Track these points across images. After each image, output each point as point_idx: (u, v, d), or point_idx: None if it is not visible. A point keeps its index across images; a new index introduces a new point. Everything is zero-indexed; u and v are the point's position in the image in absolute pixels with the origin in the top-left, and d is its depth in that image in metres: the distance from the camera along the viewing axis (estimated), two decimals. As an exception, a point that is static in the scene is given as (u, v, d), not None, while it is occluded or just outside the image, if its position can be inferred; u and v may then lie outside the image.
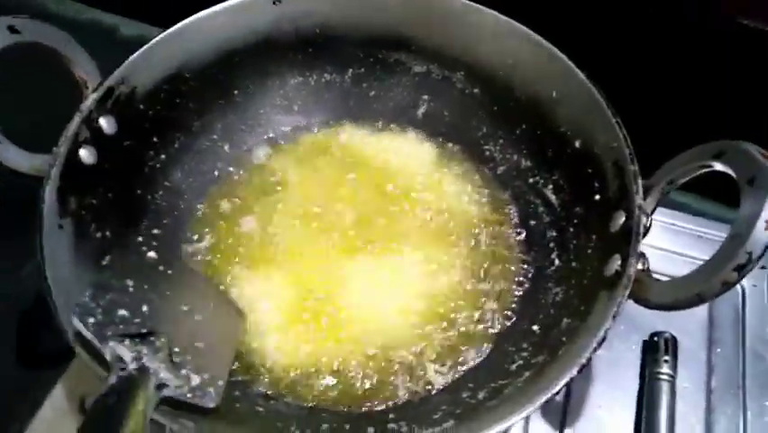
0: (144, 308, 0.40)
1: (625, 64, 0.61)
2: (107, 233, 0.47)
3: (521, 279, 0.52)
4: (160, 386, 0.36)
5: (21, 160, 0.45)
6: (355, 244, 0.54)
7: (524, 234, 0.54)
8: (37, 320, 0.56)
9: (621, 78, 0.52)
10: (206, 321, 0.44)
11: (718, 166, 0.39)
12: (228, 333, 0.46)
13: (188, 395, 0.37)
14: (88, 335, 0.36)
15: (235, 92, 0.60)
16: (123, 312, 0.39)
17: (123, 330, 0.38)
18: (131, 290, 0.41)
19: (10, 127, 0.45)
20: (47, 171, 0.43)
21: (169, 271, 0.46)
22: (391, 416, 0.42)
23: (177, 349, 0.39)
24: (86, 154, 0.46)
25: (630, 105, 0.48)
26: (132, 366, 0.36)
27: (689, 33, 0.59)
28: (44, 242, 0.40)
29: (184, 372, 0.38)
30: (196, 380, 0.38)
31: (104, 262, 0.45)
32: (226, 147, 0.60)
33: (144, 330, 0.38)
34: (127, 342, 0.37)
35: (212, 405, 0.38)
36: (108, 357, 0.36)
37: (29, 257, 0.58)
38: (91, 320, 0.37)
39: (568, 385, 0.50)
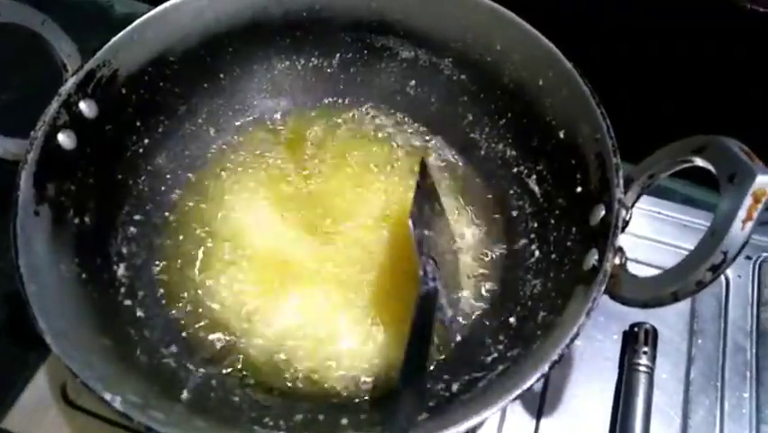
0: None
1: (612, 53, 0.60)
2: (86, 219, 0.47)
3: (501, 270, 0.52)
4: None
5: (-4, 144, 0.45)
6: (327, 231, 0.54)
7: (505, 225, 0.54)
8: (21, 306, 0.56)
9: (608, 68, 0.51)
10: None
11: (699, 161, 0.38)
12: None
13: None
14: None
15: (221, 76, 0.59)
16: None
17: None
18: None
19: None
20: (23, 156, 0.43)
21: None
22: (365, 407, 0.43)
23: None
24: (65, 139, 0.45)
25: (616, 96, 0.47)
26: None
27: (676, 23, 0.58)
28: (18, 229, 0.40)
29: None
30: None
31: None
32: (212, 131, 0.59)
33: None
34: None
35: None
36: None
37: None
38: None
39: (546, 375, 0.50)
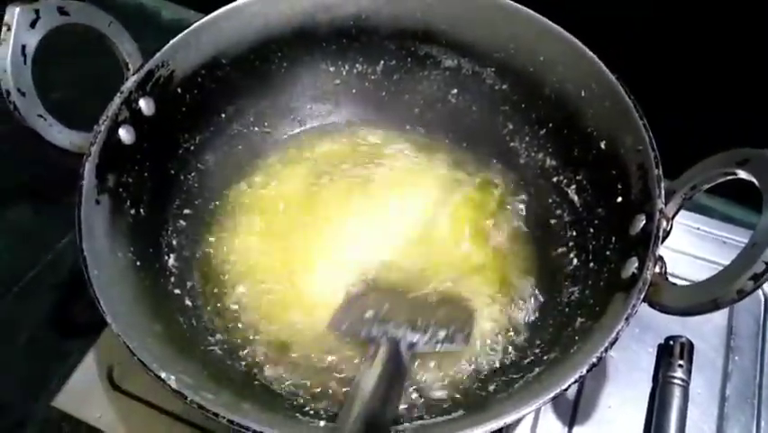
0: None
1: (655, 66, 0.60)
2: (141, 210, 0.49)
3: (538, 277, 0.52)
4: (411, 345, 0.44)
5: (63, 136, 0.47)
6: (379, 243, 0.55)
7: (543, 233, 0.54)
8: (71, 292, 0.59)
9: (651, 81, 0.51)
10: None
11: (742, 174, 0.39)
12: None
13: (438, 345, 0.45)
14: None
15: (268, 79, 0.61)
16: None
17: None
18: None
19: (55, 105, 0.47)
20: (87, 149, 0.45)
21: None
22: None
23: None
24: (124, 134, 0.48)
25: (658, 108, 0.47)
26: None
27: (722, 34, 0.58)
28: (82, 216, 0.42)
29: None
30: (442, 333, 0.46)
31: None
32: (258, 132, 0.61)
33: None
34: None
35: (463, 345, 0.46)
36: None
37: (65, 231, 0.62)
38: None
39: (580, 383, 0.51)
